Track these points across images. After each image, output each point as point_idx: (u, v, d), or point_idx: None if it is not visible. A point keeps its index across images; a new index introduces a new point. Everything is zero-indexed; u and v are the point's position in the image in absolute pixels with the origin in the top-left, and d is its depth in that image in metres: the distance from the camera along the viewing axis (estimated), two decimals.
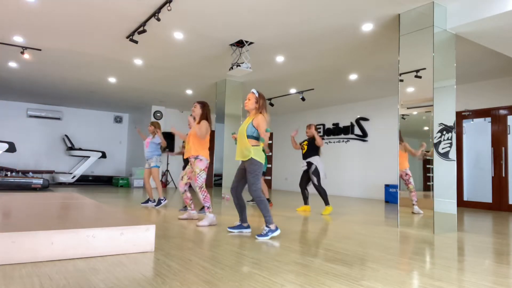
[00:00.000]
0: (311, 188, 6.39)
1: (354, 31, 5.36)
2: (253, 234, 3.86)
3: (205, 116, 4.70)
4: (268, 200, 6.95)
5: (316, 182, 5.91)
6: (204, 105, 4.77)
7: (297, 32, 5.46)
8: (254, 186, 3.71)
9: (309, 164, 6.00)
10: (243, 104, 3.97)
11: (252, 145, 3.76)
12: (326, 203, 5.93)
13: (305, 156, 6.08)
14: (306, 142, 6.13)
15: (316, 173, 5.91)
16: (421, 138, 4.51)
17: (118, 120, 13.41)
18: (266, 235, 3.66)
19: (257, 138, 3.80)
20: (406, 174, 4.66)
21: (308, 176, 6.06)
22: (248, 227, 4.03)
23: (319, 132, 11.31)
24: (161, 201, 6.18)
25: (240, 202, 3.97)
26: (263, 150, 4.11)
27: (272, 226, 3.72)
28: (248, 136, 3.77)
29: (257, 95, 3.87)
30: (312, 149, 6.04)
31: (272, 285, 2.18)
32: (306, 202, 6.23)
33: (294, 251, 3.11)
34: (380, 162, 9.56)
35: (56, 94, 10.44)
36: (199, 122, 4.68)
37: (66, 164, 12.33)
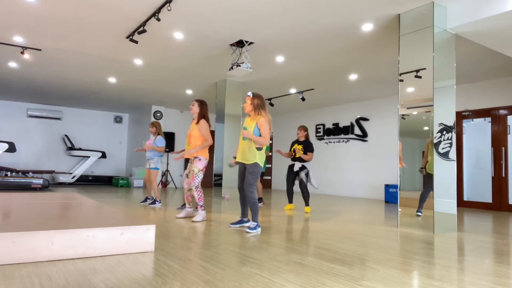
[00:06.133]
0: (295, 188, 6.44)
1: (354, 31, 5.36)
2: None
3: (202, 114, 4.79)
4: (260, 199, 6.96)
5: (306, 183, 6.05)
6: (202, 103, 4.84)
7: (297, 32, 5.46)
8: (252, 187, 3.94)
9: (303, 168, 6.07)
10: (243, 106, 4.15)
11: (256, 147, 3.95)
12: (307, 203, 6.13)
13: (300, 159, 6.11)
14: (301, 146, 6.13)
15: (308, 175, 6.05)
16: (421, 138, 4.51)
17: (118, 120, 13.40)
18: (255, 228, 3.96)
19: None
20: None
21: (294, 177, 6.17)
22: (248, 221, 4.25)
23: (319, 132, 11.32)
24: (156, 202, 6.19)
25: (246, 200, 4.17)
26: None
27: (258, 223, 4.04)
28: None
29: (251, 96, 4.05)
30: (307, 153, 6.08)
31: (272, 285, 2.18)
32: (290, 201, 6.38)
33: (294, 251, 3.11)
34: (380, 162, 9.56)
35: (56, 94, 10.44)
36: (197, 122, 4.74)
37: (66, 164, 12.33)
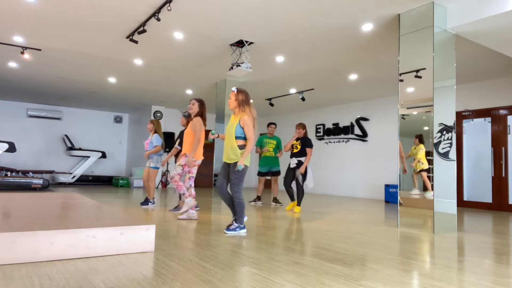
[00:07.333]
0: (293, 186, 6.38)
1: (354, 31, 5.36)
2: (250, 232, 3.86)
3: (200, 113, 4.91)
4: (276, 199, 7.02)
5: (301, 182, 6.02)
6: (202, 103, 4.96)
7: (297, 32, 5.46)
8: (237, 187, 3.78)
9: (300, 163, 6.04)
10: (227, 102, 3.95)
11: (239, 145, 3.77)
12: (299, 203, 6.07)
13: (296, 155, 6.10)
14: (299, 142, 6.13)
15: (304, 173, 5.99)
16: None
17: (118, 120, 13.40)
18: (234, 230, 3.83)
19: (245, 138, 3.81)
20: None
21: (293, 175, 6.13)
22: (244, 217, 3.98)
23: (319, 132, 11.31)
24: (149, 202, 6.10)
25: (229, 197, 3.91)
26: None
27: (241, 225, 3.89)
28: (237, 137, 3.78)
29: (236, 91, 3.86)
30: (304, 149, 6.07)
31: (272, 285, 2.18)
32: (292, 199, 6.33)
33: (294, 251, 3.11)
34: (380, 162, 9.56)
35: (56, 94, 10.44)
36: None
37: (66, 164, 12.33)
